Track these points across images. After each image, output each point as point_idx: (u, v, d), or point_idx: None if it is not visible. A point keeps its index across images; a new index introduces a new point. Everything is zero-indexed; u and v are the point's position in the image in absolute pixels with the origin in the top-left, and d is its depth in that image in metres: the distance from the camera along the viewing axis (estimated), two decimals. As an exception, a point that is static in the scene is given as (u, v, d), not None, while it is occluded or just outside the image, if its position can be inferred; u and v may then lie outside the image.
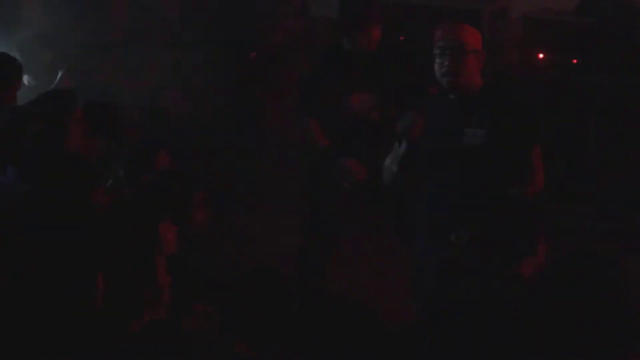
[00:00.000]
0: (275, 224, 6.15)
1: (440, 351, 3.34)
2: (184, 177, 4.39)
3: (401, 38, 7.18)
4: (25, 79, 5.68)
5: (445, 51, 4.35)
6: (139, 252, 3.60)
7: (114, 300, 3.43)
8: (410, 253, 4.70)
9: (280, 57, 6.73)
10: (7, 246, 3.72)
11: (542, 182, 4.46)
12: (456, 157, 4.41)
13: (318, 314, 3.24)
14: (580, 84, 6.75)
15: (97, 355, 3.27)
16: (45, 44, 6.07)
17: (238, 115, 6.64)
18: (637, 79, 6.61)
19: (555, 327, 2.98)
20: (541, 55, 6.86)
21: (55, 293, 3.35)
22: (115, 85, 6.49)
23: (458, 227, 4.32)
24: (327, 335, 3.13)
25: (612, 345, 2.96)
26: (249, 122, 6.46)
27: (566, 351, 2.96)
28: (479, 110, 4.39)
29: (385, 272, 5.75)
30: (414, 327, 3.60)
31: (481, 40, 4.42)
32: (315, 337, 3.14)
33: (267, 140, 6.87)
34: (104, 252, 3.47)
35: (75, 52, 6.41)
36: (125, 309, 3.48)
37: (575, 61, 6.77)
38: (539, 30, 6.88)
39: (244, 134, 6.78)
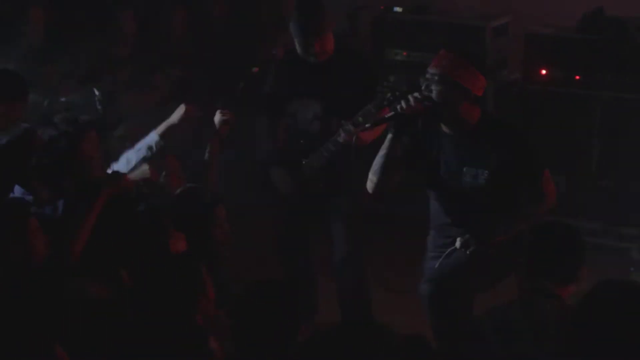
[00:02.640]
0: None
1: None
2: (203, 194, 4.43)
3: (404, 54, 7.22)
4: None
5: (429, 78, 4.36)
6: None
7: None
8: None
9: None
10: None
11: (553, 200, 4.50)
12: (458, 194, 4.45)
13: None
14: (583, 99, 6.77)
15: None
16: (46, 60, 6.10)
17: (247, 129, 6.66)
18: (638, 94, 6.63)
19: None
20: (544, 72, 6.89)
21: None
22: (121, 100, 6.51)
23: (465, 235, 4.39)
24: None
25: None
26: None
27: None
28: (477, 147, 4.39)
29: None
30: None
31: (473, 76, 4.34)
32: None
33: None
34: None
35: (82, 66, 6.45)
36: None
37: (578, 77, 6.79)
38: (541, 46, 6.90)
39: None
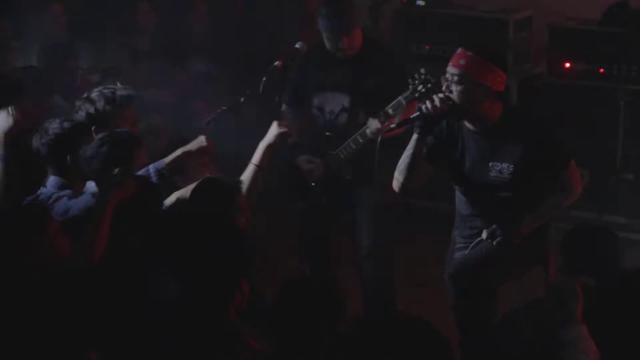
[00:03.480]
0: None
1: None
2: (225, 183, 4.40)
3: (427, 47, 7.19)
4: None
5: (449, 78, 4.35)
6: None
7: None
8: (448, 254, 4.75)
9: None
10: None
11: (579, 191, 4.49)
12: (484, 189, 4.45)
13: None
14: (606, 93, 6.73)
15: None
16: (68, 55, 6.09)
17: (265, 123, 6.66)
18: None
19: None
20: (567, 65, 6.85)
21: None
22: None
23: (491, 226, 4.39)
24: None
25: None
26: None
27: None
28: (501, 141, 4.39)
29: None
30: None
31: (492, 72, 4.32)
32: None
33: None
34: None
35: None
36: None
37: (601, 70, 6.75)
38: (565, 39, 6.87)
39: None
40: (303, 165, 5.53)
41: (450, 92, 4.33)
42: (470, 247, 4.53)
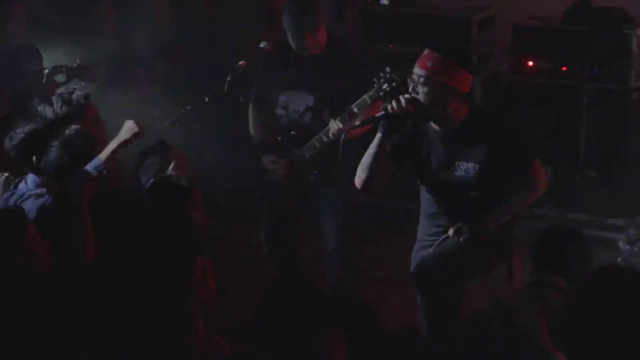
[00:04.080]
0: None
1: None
2: (179, 179, 4.40)
3: (391, 46, 7.20)
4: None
5: (415, 79, 4.37)
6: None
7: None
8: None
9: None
10: None
11: (544, 188, 4.53)
12: (450, 188, 4.47)
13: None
14: (569, 91, 6.77)
15: None
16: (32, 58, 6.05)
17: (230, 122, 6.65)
18: (624, 85, 6.64)
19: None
20: (531, 63, 6.89)
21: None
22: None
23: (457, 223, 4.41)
24: None
25: None
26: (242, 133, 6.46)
27: None
28: (467, 141, 4.41)
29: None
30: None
31: (458, 74, 4.34)
32: None
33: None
34: None
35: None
36: None
37: (564, 69, 6.80)
38: (528, 38, 6.90)
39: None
40: (267, 165, 5.52)
41: (417, 93, 4.35)
42: (436, 245, 4.55)
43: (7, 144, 4.59)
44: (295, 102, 5.43)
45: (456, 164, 4.43)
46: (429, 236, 4.63)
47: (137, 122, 4.65)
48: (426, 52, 4.39)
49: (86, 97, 4.82)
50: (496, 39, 7.18)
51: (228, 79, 5.27)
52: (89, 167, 4.49)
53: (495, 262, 4.64)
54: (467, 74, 4.38)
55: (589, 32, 6.69)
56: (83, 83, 4.92)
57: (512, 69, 6.97)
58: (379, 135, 4.44)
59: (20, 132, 4.57)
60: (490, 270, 4.63)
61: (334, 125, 5.21)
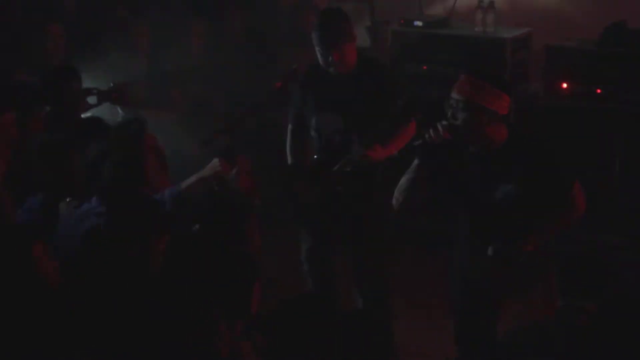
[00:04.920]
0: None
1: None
2: (239, 201, 4.41)
3: (424, 67, 7.20)
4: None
5: (453, 105, 4.37)
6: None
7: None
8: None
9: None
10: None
11: (583, 211, 4.50)
12: (488, 210, 4.45)
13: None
14: (604, 113, 6.73)
15: None
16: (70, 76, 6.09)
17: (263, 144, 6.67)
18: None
19: None
20: (565, 85, 6.85)
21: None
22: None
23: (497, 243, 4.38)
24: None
25: None
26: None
27: None
28: (505, 165, 4.39)
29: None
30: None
31: (497, 97, 4.34)
32: None
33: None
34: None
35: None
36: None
37: (599, 91, 6.76)
38: (562, 59, 6.87)
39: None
40: (298, 191, 5.52)
41: (455, 119, 4.34)
42: (474, 262, 4.51)
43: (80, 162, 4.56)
44: (327, 125, 5.40)
45: (495, 186, 4.41)
46: (465, 257, 4.61)
47: (222, 161, 4.66)
48: (463, 77, 4.38)
49: (141, 128, 4.85)
50: (530, 61, 7.16)
51: (263, 101, 5.28)
52: (168, 192, 4.51)
53: (533, 284, 4.60)
54: (506, 97, 4.37)
55: (625, 54, 6.66)
56: (120, 110, 4.96)
57: (546, 90, 6.94)
58: (416, 162, 4.46)
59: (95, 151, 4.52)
60: (526, 292, 4.60)
61: (359, 150, 5.18)
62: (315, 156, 5.46)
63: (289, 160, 5.63)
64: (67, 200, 4.49)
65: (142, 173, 4.46)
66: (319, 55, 5.33)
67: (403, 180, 4.53)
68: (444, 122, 4.35)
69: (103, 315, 3.74)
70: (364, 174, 5.29)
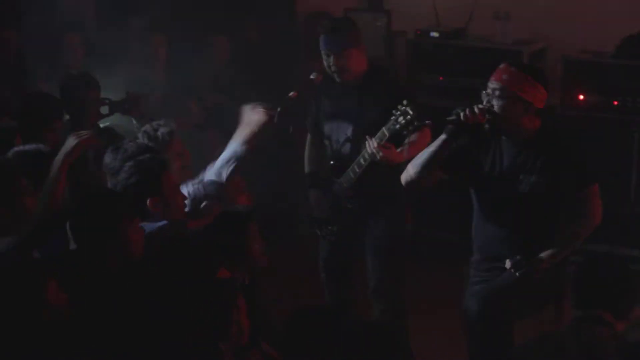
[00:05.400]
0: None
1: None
2: (241, 212, 4.42)
3: (440, 78, 7.20)
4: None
5: (490, 92, 4.38)
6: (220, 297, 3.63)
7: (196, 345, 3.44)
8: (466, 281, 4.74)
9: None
10: None
11: (599, 218, 4.48)
12: (511, 201, 4.44)
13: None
14: (620, 125, 6.72)
15: None
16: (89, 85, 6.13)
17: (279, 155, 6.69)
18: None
19: None
20: (581, 97, 6.84)
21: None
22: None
23: (514, 254, 4.35)
24: None
25: None
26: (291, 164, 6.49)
27: None
28: (534, 156, 4.40)
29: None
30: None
31: (534, 88, 4.37)
32: None
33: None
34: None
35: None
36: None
37: (615, 103, 6.74)
38: (579, 71, 6.87)
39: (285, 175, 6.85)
40: (312, 200, 5.53)
41: (492, 106, 4.34)
42: (489, 278, 4.50)
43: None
44: (337, 133, 5.41)
45: (521, 176, 4.41)
46: (482, 272, 4.59)
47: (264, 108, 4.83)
48: (502, 66, 4.42)
49: (170, 133, 4.88)
50: (547, 72, 7.14)
51: (278, 110, 5.28)
52: (231, 154, 4.68)
53: (547, 301, 4.58)
54: (543, 90, 4.40)
55: (641, 65, 6.65)
56: (135, 121, 5.01)
57: (562, 102, 6.93)
58: (443, 136, 4.44)
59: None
60: (541, 309, 4.58)
61: (371, 143, 5.14)
62: (331, 162, 5.47)
63: (306, 169, 5.64)
64: None
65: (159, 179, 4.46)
66: (324, 61, 5.34)
67: (421, 153, 4.52)
68: (480, 105, 4.35)
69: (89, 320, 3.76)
70: (374, 185, 5.27)
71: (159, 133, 4.88)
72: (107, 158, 4.60)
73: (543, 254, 4.40)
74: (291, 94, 5.35)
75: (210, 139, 6.72)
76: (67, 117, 5.79)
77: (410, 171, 4.56)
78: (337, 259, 5.60)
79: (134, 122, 6.14)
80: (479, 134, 4.45)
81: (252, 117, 4.92)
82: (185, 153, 4.99)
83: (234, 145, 4.88)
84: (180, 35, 7.34)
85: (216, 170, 4.87)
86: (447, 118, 4.42)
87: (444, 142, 4.43)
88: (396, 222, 5.40)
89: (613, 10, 6.95)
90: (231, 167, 4.83)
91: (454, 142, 4.43)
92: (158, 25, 7.49)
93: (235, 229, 4.29)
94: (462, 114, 4.34)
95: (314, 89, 5.49)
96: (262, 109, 4.88)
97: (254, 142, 4.88)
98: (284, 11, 8.00)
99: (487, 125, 4.37)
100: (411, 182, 4.57)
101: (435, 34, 7.22)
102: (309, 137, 5.65)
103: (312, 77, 5.46)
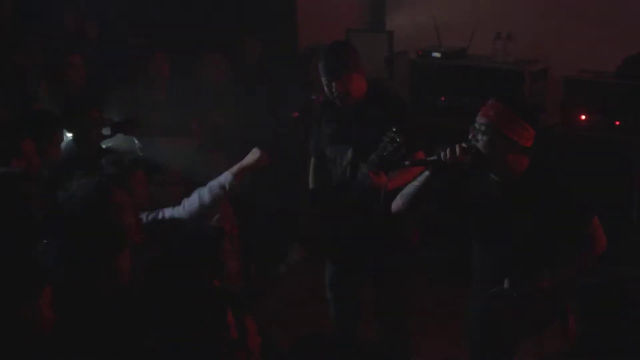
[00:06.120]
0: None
1: None
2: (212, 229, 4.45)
3: (442, 98, 7.21)
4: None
5: (476, 127, 4.37)
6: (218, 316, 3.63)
7: None
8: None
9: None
10: None
11: (603, 247, 4.47)
12: (505, 242, 4.43)
13: None
14: (622, 145, 6.72)
15: None
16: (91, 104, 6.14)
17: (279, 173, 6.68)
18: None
19: None
20: (583, 117, 6.85)
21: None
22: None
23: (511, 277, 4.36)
24: None
25: None
26: (292, 182, 6.50)
27: None
28: (523, 196, 4.37)
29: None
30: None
31: (521, 127, 4.31)
32: None
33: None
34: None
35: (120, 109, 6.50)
36: None
37: (617, 123, 6.75)
38: (580, 91, 6.87)
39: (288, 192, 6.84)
40: (312, 217, 5.55)
41: (477, 141, 4.34)
42: (489, 293, 4.49)
43: (61, 197, 4.57)
44: (339, 156, 5.40)
45: (512, 217, 4.40)
46: (482, 292, 4.58)
47: (263, 151, 4.92)
48: (491, 101, 4.39)
49: (135, 162, 5.02)
50: (548, 92, 7.17)
51: (280, 130, 5.29)
52: (217, 182, 4.75)
53: (549, 321, 4.56)
54: (530, 129, 4.35)
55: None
56: (137, 141, 5.05)
57: (564, 122, 6.94)
58: (426, 174, 4.46)
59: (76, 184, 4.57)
60: (543, 329, 4.56)
61: (363, 169, 5.14)
62: (333, 184, 5.47)
63: (310, 186, 5.64)
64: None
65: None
66: (325, 87, 5.34)
67: (408, 187, 4.54)
68: (463, 144, 4.35)
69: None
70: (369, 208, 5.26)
71: (124, 160, 4.96)
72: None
73: (543, 274, 4.39)
74: (293, 114, 5.36)
75: (214, 160, 6.73)
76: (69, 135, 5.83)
77: (399, 202, 4.58)
78: (343, 279, 5.59)
79: (136, 142, 6.16)
80: (465, 172, 4.45)
81: (253, 155, 4.94)
82: (145, 183, 5.06)
83: (225, 175, 4.95)
84: (181, 53, 7.36)
85: (199, 193, 4.94)
86: (428, 158, 4.44)
87: (427, 179, 4.45)
88: (401, 243, 5.40)
89: (614, 31, 6.96)
90: (214, 194, 4.88)
91: (438, 179, 4.44)
92: (159, 43, 7.51)
93: (208, 247, 4.28)
94: (442, 154, 4.35)
95: (316, 109, 5.49)
96: (263, 153, 4.90)
97: (242, 176, 4.93)
98: (286, 30, 8.03)
99: (467, 164, 4.36)
100: (399, 211, 4.60)
101: (437, 55, 7.24)
102: (312, 160, 5.64)
103: (313, 97, 5.47)
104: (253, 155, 4.93)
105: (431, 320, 6.20)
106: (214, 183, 4.95)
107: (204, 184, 5.11)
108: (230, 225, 4.72)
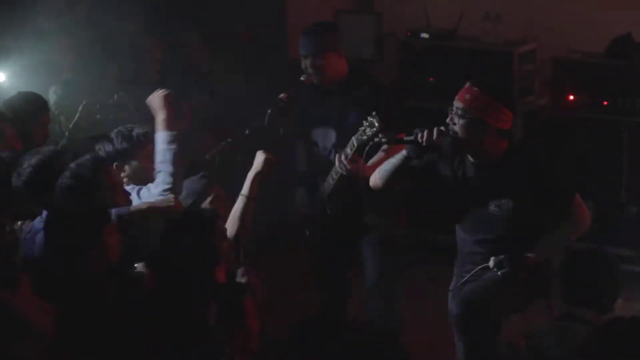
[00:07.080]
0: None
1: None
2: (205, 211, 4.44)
3: (430, 79, 7.22)
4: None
5: (453, 110, 4.39)
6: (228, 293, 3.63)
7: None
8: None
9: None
10: None
11: (587, 224, 4.49)
12: (484, 223, 4.46)
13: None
14: (610, 125, 6.74)
15: None
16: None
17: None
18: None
19: None
20: (571, 97, 6.87)
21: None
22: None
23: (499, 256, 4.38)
24: None
25: None
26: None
27: None
28: (501, 177, 4.40)
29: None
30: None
31: (497, 111, 4.33)
32: None
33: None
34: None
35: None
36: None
37: (605, 103, 6.77)
38: (569, 72, 6.89)
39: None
40: (300, 197, 5.55)
41: (454, 124, 4.36)
42: (473, 276, 4.52)
43: (16, 181, 4.45)
44: (324, 139, 5.40)
45: (489, 198, 4.42)
46: (466, 272, 4.61)
47: (266, 152, 4.77)
48: (467, 85, 4.40)
49: (145, 134, 4.88)
50: (537, 73, 7.18)
51: (268, 111, 5.29)
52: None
53: (533, 299, 4.60)
54: (507, 112, 4.37)
55: (631, 66, 6.68)
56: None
57: (552, 103, 6.96)
58: (404, 152, 4.48)
59: (27, 166, 4.46)
60: (527, 306, 4.60)
61: (339, 156, 5.13)
62: (320, 167, 5.47)
63: (297, 168, 5.66)
64: (19, 223, 4.45)
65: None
66: (302, 63, 5.31)
67: (386, 163, 4.58)
68: (441, 128, 4.36)
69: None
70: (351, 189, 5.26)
71: (133, 133, 4.87)
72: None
73: (528, 253, 4.42)
74: (281, 95, 5.35)
75: (204, 142, 6.72)
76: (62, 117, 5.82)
77: (376, 176, 4.61)
78: (331, 262, 5.60)
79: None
80: (443, 152, 4.47)
81: (260, 158, 4.84)
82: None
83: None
84: (168, 35, 7.35)
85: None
86: (405, 138, 4.45)
87: (404, 159, 4.48)
88: (386, 223, 5.41)
89: (603, 11, 6.97)
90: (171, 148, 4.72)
91: (415, 158, 4.46)
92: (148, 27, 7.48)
93: (202, 228, 4.28)
94: (419, 135, 4.36)
95: (303, 91, 5.49)
96: (269, 156, 4.83)
97: (258, 183, 4.77)
98: (273, 11, 8.00)
99: (444, 146, 4.38)
100: (377, 187, 4.63)
101: (425, 36, 7.24)
102: (300, 141, 5.65)
103: (302, 78, 5.46)
104: (260, 157, 4.80)
105: (420, 299, 6.22)
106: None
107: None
108: (224, 207, 4.70)
